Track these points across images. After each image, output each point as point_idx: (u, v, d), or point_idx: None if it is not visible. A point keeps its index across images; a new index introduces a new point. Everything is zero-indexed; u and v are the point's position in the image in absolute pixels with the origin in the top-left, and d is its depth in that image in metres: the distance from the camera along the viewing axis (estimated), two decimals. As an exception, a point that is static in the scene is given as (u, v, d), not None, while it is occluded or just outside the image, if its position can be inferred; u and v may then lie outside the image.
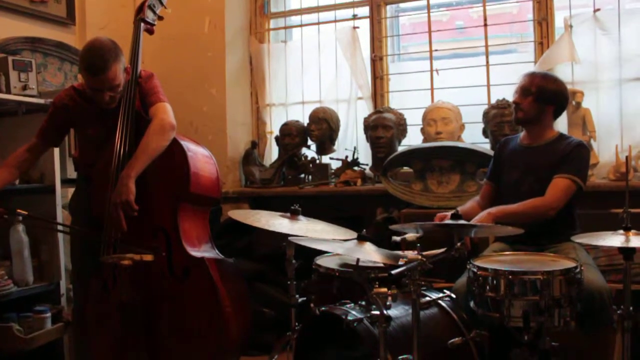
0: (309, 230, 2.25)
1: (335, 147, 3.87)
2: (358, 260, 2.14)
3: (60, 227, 2.90)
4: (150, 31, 2.71)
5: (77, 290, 2.72)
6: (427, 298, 2.19)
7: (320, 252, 2.32)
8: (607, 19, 3.22)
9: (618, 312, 2.02)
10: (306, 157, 3.87)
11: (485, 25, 3.50)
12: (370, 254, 1.98)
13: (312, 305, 2.30)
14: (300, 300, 2.40)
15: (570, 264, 2.01)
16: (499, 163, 2.71)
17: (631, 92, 3.19)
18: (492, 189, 2.71)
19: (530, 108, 2.52)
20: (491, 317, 1.99)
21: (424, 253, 1.93)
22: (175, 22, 3.72)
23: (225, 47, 3.97)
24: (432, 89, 3.64)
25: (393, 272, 1.73)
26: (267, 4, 4.20)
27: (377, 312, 1.78)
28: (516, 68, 3.33)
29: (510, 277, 1.94)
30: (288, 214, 2.37)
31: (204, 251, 2.49)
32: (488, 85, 3.51)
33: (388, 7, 3.91)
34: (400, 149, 3.55)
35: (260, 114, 4.19)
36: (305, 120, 3.88)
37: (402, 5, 3.95)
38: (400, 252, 2.05)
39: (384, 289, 1.77)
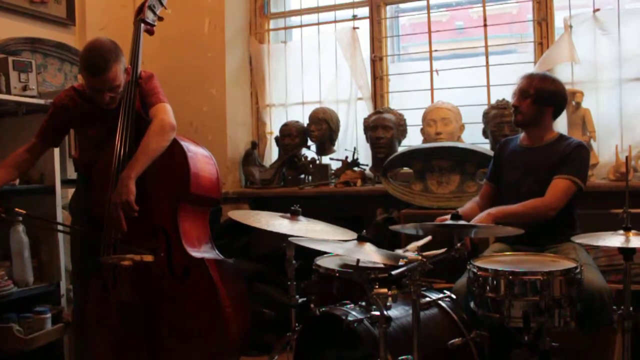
0: (309, 231, 2.25)
1: (335, 148, 3.87)
2: (358, 260, 2.14)
3: (60, 228, 2.90)
4: (150, 32, 2.71)
5: (77, 290, 2.71)
6: (427, 298, 2.19)
7: (320, 253, 2.31)
8: (606, 19, 3.21)
9: (618, 312, 2.03)
10: (306, 157, 3.87)
11: (485, 25, 3.50)
12: (370, 255, 1.98)
13: (312, 305, 2.30)
14: (300, 300, 2.41)
15: (570, 265, 2.01)
16: (498, 164, 2.71)
17: (631, 92, 3.19)
18: (492, 190, 2.71)
19: (529, 110, 2.52)
20: (491, 318, 1.99)
21: (424, 253, 1.94)
22: (175, 22, 3.72)
23: (225, 48, 3.97)
24: (432, 89, 3.64)
25: (393, 272, 1.74)
26: (267, 4, 4.20)
27: (377, 313, 1.78)
28: (516, 68, 3.33)
29: (510, 277, 1.94)
30: (288, 215, 2.37)
31: (204, 251, 2.49)
32: (488, 86, 3.51)
33: (388, 7, 3.90)
34: (400, 149, 3.55)
35: (260, 114, 4.19)
36: (305, 121, 3.87)
37: (402, 5, 3.95)
38: (400, 253, 2.05)
39: (384, 290, 1.77)
